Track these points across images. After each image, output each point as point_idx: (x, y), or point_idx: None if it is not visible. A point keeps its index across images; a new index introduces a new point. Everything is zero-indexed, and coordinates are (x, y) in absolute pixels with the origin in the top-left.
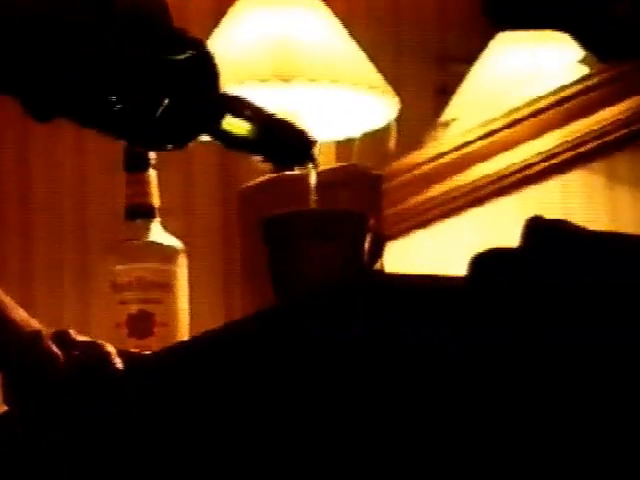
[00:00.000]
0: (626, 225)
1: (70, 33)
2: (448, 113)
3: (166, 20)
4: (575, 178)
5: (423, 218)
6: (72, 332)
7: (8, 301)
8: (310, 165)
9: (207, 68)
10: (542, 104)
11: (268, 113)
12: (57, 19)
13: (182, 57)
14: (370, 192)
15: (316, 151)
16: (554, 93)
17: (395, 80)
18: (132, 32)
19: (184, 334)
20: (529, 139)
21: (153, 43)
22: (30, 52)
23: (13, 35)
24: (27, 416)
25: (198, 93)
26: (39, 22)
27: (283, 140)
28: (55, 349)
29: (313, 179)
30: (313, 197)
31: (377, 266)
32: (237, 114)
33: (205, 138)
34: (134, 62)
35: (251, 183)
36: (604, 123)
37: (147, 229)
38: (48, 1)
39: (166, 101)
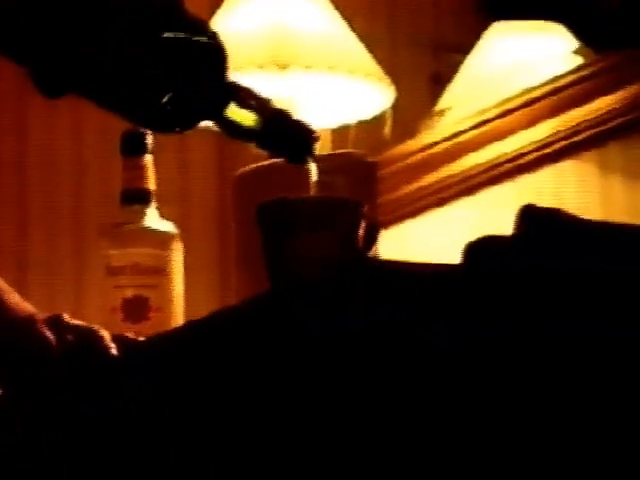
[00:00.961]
0: (618, 214)
1: (87, 11)
2: (443, 102)
3: (179, 4)
4: (568, 167)
5: (418, 206)
6: (66, 316)
7: (2, 285)
8: (309, 160)
9: (216, 54)
10: (535, 94)
11: (273, 105)
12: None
13: (192, 41)
14: (365, 179)
15: (317, 147)
16: (547, 83)
17: (391, 69)
18: (146, 14)
19: (179, 319)
20: (522, 128)
21: (165, 26)
22: (48, 26)
23: (31, 9)
24: (21, 403)
25: (206, 78)
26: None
27: (286, 133)
28: (48, 334)
29: (314, 174)
30: (325, 179)
31: (371, 253)
32: (242, 104)
33: (207, 124)
34: (145, 44)
35: (247, 169)
36: (597, 113)
37: (143, 214)
38: None
39: (174, 84)
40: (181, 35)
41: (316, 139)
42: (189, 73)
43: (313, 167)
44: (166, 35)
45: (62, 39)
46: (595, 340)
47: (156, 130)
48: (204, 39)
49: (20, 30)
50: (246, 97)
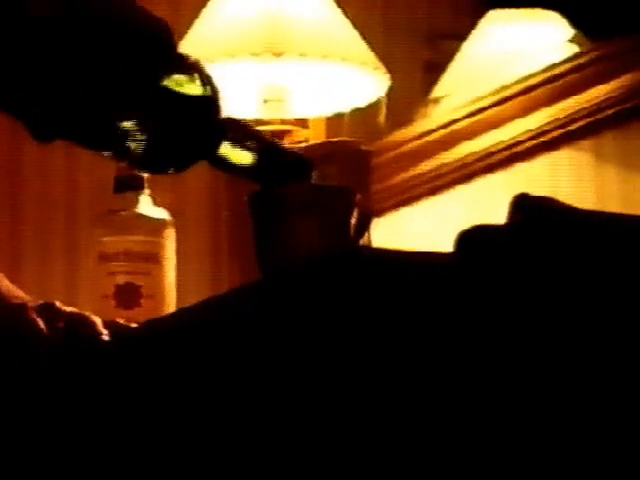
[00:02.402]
0: (613, 203)
1: (74, 54)
2: (438, 90)
3: (170, 43)
4: (563, 156)
5: (412, 194)
6: (58, 304)
7: None
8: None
9: (210, 101)
10: (531, 82)
11: (266, 140)
12: (63, 38)
13: (186, 95)
14: (359, 167)
15: (314, 176)
16: (544, 71)
17: (385, 56)
18: (135, 54)
19: (171, 306)
20: (518, 117)
21: (155, 66)
22: (33, 74)
23: (16, 57)
24: (13, 388)
25: (198, 121)
26: (44, 43)
27: (281, 167)
28: (39, 321)
29: (318, 153)
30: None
31: (363, 241)
32: (235, 142)
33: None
34: (135, 85)
35: None
36: (594, 101)
37: (136, 201)
38: (54, 22)
39: (165, 127)
40: (175, 84)
41: (311, 169)
42: (181, 117)
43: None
44: (159, 81)
45: (52, 88)
46: (590, 328)
47: (150, 171)
48: (197, 83)
49: (7, 79)
50: (239, 134)
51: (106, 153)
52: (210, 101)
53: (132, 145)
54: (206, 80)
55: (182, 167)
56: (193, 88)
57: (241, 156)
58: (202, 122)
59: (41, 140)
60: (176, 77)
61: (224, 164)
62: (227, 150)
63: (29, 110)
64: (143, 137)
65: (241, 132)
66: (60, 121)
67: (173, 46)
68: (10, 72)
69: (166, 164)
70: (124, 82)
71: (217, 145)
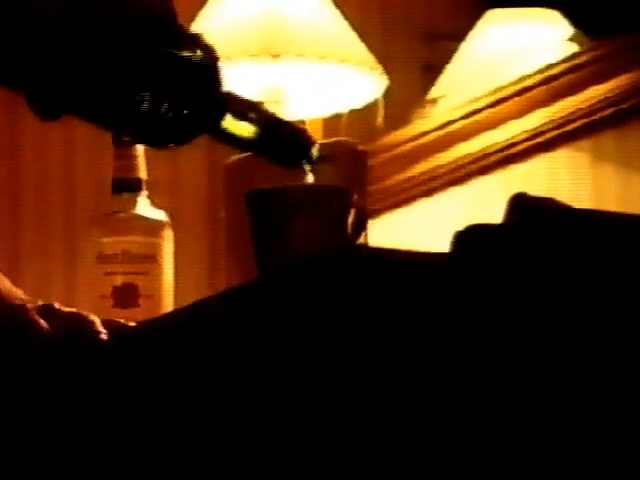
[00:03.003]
0: (611, 203)
1: (80, 31)
2: (436, 90)
3: (172, 18)
4: (561, 156)
5: (408, 195)
6: (56, 305)
7: None
8: (307, 166)
9: (211, 68)
10: (528, 83)
11: (268, 112)
12: (69, 18)
13: (187, 57)
14: (355, 167)
15: (315, 152)
16: (541, 71)
17: (383, 57)
18: (142, 30)
19: (169, 306)
20: (514, 117)
21: (161, 42)
22: (40, 49)
23: (23, 33)
24: (13, 387)
25: (200, 92)
26: (51, 22)
27: (283, 141)
28: (40, 322)
29: (310, 179)
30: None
31: (360, 241)
32: (237, 115)
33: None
34: (142, 61)
35: (237, 157)
36: (591, 102)
37: (134, 202)
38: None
39: (168, 99)
40: (176, 52)
41: (313, 144)
42: (184, 88)
43: (309, 174)
44: (162, 52)
45: (55, 59)
46: (587, 325)
47: (152, 145)
48: (199, 54)
49: (12, 54)
50: (241, 107)
51: (106, 126)
52: (211, 71)
53: (133, 117)
54: (207, 51)
55: (183, 140)
56: (194, 58)
57: (243, 129)
58: (204, 92)
59: (44, 116)
60: (176, 47)
61: (226, 137)
62: (229, 123)
63: (32, 84)
64: (144, 108)
65: (243, 105)
66: (62, 94)
67: (174, 18)
68: (13, 46)
69: (167, 137)
70: (125, 52)
71: (219, 117)
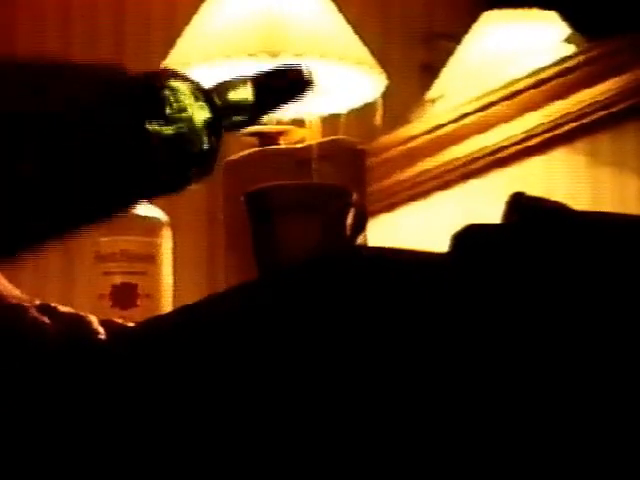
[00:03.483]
0: (608, 204)
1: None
2: (435, 90)
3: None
4: (558, 157)
5: (408, 194)
6: (54, 304)
7: None
8: (311, 90)
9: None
10: (525, 84)
11: (258, 73)
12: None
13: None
14: (354, 167)
15: (312, 75)
16: (537, 73)
17: (382, 57)
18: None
19: (167, 306)
20: (512, 118)
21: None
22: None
23: None
24: (13, 387)
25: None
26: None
27: (279, 85)
28: (40, 321)
29: (314, 152)
30: (314, 166)
31: (359, 241)
32: (233, 87)
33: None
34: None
35: (236, 156)
36: (588, 102)
37: None
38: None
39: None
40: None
41: (311, 83)
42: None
43: (316, 97)
44: (149, 127)
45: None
46: (585, 324)
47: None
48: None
49: None
50: (228, 86)
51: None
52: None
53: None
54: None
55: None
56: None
57: (242, 93)
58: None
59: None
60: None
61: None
62: (232, 95)
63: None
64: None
65: (226, 87)
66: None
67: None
68: None
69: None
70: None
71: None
